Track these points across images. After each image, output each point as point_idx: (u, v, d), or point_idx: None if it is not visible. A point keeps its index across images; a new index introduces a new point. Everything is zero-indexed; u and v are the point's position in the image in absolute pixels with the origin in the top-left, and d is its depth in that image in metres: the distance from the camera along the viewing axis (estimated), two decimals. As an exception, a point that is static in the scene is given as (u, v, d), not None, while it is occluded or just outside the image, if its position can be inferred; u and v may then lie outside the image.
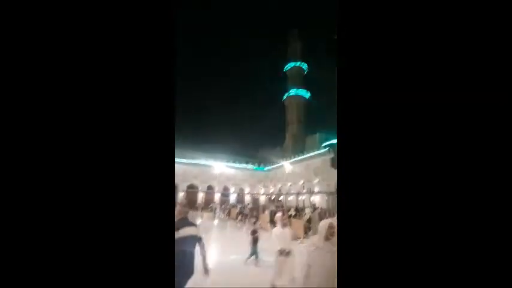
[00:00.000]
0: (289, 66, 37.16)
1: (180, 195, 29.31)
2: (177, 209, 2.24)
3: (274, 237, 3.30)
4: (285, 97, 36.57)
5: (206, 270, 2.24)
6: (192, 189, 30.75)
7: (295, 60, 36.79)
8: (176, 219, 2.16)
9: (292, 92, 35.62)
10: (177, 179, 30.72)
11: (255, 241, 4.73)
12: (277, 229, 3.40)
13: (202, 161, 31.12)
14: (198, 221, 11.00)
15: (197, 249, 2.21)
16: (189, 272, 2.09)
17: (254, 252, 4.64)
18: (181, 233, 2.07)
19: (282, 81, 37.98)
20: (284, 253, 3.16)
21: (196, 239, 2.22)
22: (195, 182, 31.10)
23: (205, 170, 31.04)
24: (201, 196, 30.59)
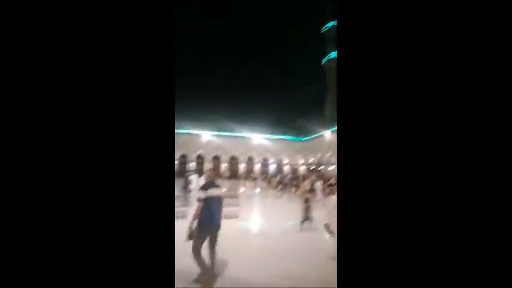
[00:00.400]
0: (327, 26, 33.74)
1: (223, 166, 31.29)
2: (207, 173, 2.87)
3: (332, 205, 3.20)
4: (324, 61, 33.99)
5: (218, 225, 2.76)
6: (234, 160, 32.44)
7: (334, 19, 33.08)
8: (205, 181, 2.74)
9: (333, 54, 32.78)
10: (220, 151, 32.59)
11: (307, 208, 5.08)
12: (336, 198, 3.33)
13: (242, 134, 31.99)
14: (241, 189, 11.78)
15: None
16: (216, 223, 2.61)
17: (307, 217, 5.03)
18: (209, 192, 2.58)
19: (321, 43, 35.00)
20: None
21: (221, 199, 2.73)
22: (236, 154, 32.61)
23: (244, 142, 32.07)
24: (242, 166, 32.15)
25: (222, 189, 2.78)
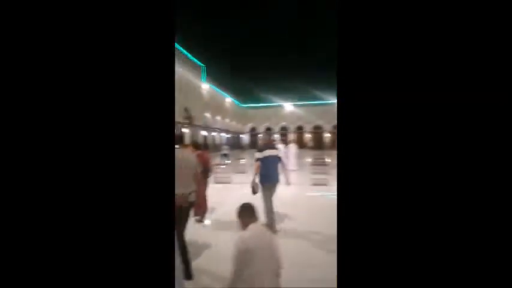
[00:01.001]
0: None
1: (307, 137, 30.91)
2: (262, 137, 4.10)
3: None
4: None
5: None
6: (318, 130, 31.37)
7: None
8: (263, 144, 3.19)
9: None
10: (302, 121, 32.11)
11: None
12: None
13: (326, 101, 30.08)
14: (328, 160, 11.35)
15: (280, 165, 3.14)
16: (273, 178, 3.01)
17: None
18: (266, 153, 3.02)
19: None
20: None
21: (277, 158, 3.12)
22: (320, 123, 31.26)
23: (328, 110, 30.11)
24: (327, 136, 30.81)
25: (277, 150, 3.26)
